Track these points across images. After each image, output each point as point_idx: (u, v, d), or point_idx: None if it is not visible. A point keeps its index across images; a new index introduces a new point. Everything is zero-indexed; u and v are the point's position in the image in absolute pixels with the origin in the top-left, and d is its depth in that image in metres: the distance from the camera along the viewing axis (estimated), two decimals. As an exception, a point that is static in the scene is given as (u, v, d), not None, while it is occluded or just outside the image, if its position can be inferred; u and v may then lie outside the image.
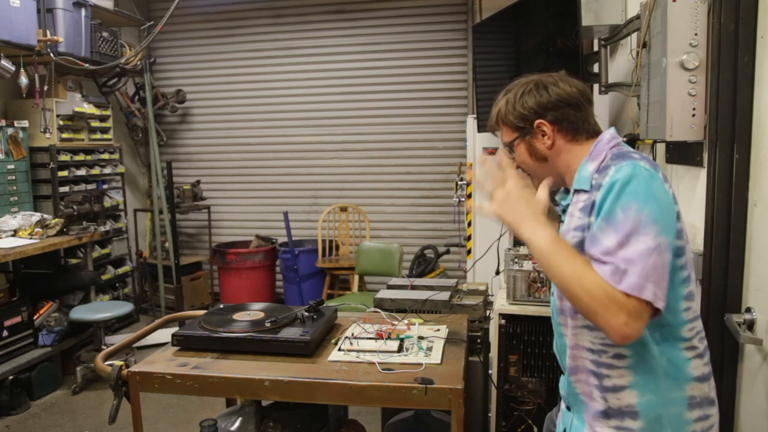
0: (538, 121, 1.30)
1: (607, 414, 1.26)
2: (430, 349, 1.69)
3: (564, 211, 1.35)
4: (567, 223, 1.30)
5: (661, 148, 2.25)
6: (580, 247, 1.22)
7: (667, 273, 1.13)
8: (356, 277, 4.54)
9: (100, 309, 3.83)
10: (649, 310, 1.10)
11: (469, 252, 4.11)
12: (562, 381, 1.42)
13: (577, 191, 1.28)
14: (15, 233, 3.76)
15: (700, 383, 1.24)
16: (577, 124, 1.31)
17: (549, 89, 1.30)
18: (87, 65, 4.36)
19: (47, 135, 4.19)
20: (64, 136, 4.35)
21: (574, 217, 1.27)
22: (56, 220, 3.95)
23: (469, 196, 4.16)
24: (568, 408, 1.40)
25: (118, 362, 1.64)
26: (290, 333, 1.71)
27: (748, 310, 1.50)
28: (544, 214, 1.24)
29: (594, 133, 1.32)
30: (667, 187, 1.19)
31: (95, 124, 4.69)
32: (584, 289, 1.11)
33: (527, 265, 2.34)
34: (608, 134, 1.30)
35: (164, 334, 2.17)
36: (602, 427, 1.27)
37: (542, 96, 1.30)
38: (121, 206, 4.95)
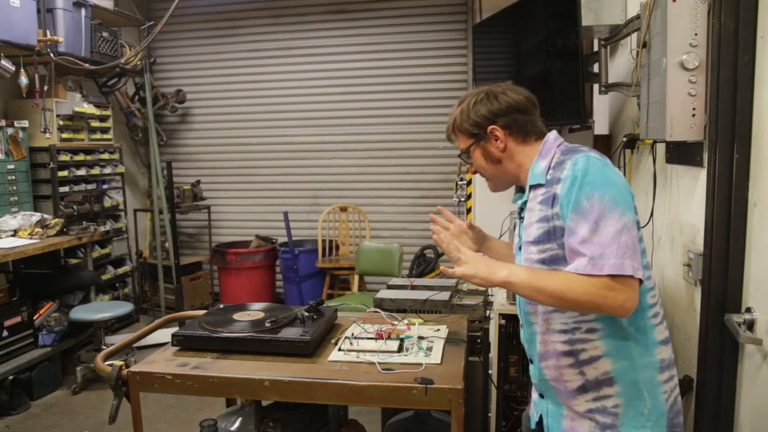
0: (491, 127, 1.43)
1: (584, 388, 1.36)
2: (430, 349, 1.69)
3: (522, 209, 1.46)
4: (528, 217, 1.39)
5: (661, 148, 2.25)
6: (546, 237, 1.33)
7: (638, 246, 1.27)
8: (356, 277, 4.54)
9: (100, 309, 3.83)
10: (635, 280, 1.24)
11: (469, 252, 4.11)
12: (533, 369, 1.50)
13: (533, 187, 1.39)
14: (15, 233, 3.76)
15: (665, 346, 1.39)
16: (526, 128, 1.44)
17: (498, 97, 1.43)
18: (87, 65, 4.36)
19: (47, 135, 4.19)
20: (64, 136, 4.35)
21: (535, 211, 1.36)
22: (56, 220, 3.95)
23: (469, 196, 4.16)
24: (541, 395, 1.49)
25: (118, 362, 1.64)
26: (290, 333, 1.71)
27: (748, 310, 1.50)
28: None
29: (541, 134, 1.46)
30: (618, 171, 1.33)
31: (95, 124, 4.69)
32: (577, 293, 1.22)
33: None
34: (553, 135, 1.45)
35: (164, 334, 2.17)
36: (579, 403, 1.37)
37: (493, 104, 1.43)
38: (121, 206, 4.95)
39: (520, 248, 1.45)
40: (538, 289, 1.26)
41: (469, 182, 4.17)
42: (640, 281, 1.25)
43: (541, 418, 1.50)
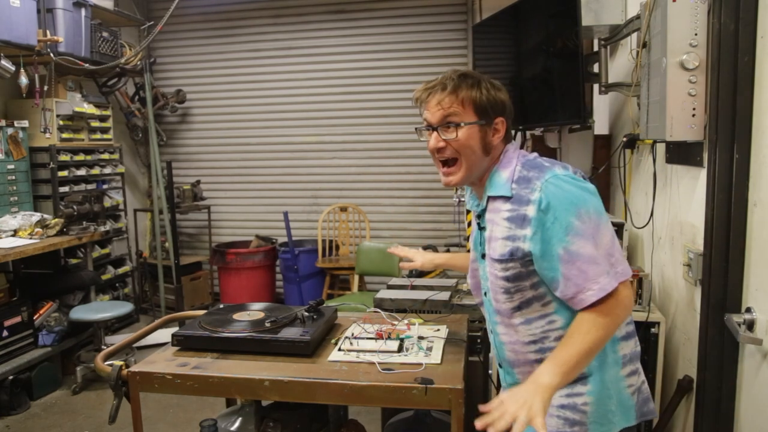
0: (499, 119, 1.37)
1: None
2: (430, 349, 1.69)
3: (480, 215, 1.42)
4: (491, 230, 1.36)
5: (661, 148, 2.25)
6: (510, 255, 1.30)
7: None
8: (356, 277, 4.54)
9: (100, 309, 3.82)
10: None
11: (468, 252, 4.11)
12: (503, 374, 1.51)
13: (492, 198, 1.35)
14: (15, 233, 3.76)
15: (626, 341, 1.39)
16: (510, 132, 1.41)
17: (504, 92, 1.39)
18: (87, 65, 4.35)
19: (47, 135, 4.19)
20: (64, 136, 4.35)
21: (500, 226, 1.33)
22: (56, 220, 3.95)
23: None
24: None
25: (118, 362, 1.64)
26: (290, 333, 1.71)
27: (748, 310, 1.50)
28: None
29: (508, 141, 1.42)
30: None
31: (95, 124, 4.69)
32: (604, 332, 1.24)
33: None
34: (513, 145, 1.41)
35: (164, 334, 2.17)
36: (553, 397, 1.33)
37: (505, 96, 1.39)
38: (121, 206, 4.95)
39: (483, 256, 1.42)
40: (584, 363, 1.25)
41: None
42: None
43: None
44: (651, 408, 1.42)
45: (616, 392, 1.35)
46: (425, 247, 5.19)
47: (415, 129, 1.44)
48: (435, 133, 1.35)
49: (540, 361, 1.33)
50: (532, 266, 1.30)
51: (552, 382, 1.18)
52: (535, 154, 1.40)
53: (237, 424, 1.89)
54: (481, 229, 1.43)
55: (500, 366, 1.50)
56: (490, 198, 1.37)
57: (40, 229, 3.82)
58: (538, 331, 1.35)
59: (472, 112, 1.34)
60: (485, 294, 1.46)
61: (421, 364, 1.58)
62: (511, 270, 1.32)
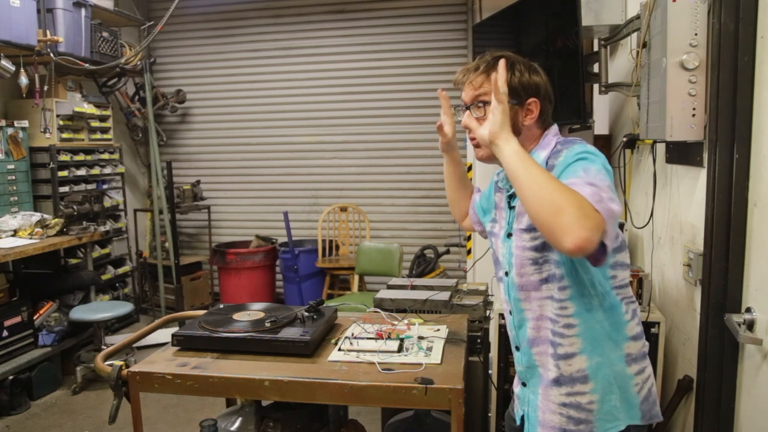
0: (533, 99, 1.39)
1: (558, 381, 1.36)
2: (430, 349, 1.69)
3: (511, 196, 1.44)
4: (521, 205, 1.36)
5: (661, 148, 2.25)
6: (537, 232, 1.30)
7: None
8: (356, 277, 4.54)
9: (100, 309, 3.82)
10: (604, 232, 1.13)
11: (469, 252, 4.11)
12: (519, 357, 1.49)
13: None
14: (15, 233, 3.76)
15: (635, 342, 1.38)
16: (547, 114, 1.42)
17: (542, 75, 1.42)
18: (87, 65, 4.36)
19: (47, 135, 4.19)
20: (64, 136, 4.35)
21: None
22: (56, 220, 3.95)
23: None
24: (524, 384, 1.49)
25: (118, 362, 1.64)
26: (290, 333, 1.71)
27: (748, 310, 1.50)
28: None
29: (548, 124, 1.44)
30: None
31: (95, 124, 4.69)
32: (559, 190, 1.12)
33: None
34: (554, 128, 1.43)
35: (164, 334, 2.17)
36: (555, 395, 1.37)
37: (542, 78, 1.42)
38: (121, 206, 4.95)
39: (508, 235, 1.43)
40: (525, 167, 1.18)
41: (469, 167, 4.16)
42: (603, 248, 1.17)
43: (522, 417, 1.50)
44: (657, 412, 1.42)
45: (621, 389, 1.35)
46: (425, 247, 5.21)
47: (454, 108, 1.50)
48: (468, 111, 1.40)
49: (552, 343, 1.35)
50: None
51: (509, 141, 1.22)
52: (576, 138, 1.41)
53: (237, 424, 1.89)
54: (512, 208, 1.44)
55: (517, 349, 1.49)
56: None
57: (40, 229, 3.82)
58: (556, 311, 1.35)
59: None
60: (506, 273, 1.45)
61: (421, 364, 1.58)
62: (540, 239, 1.33)
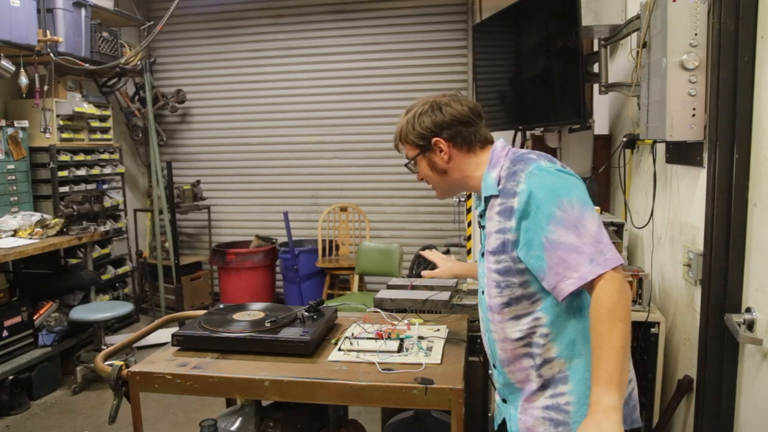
0: (435, 139, 1.44)
1: (544, 386, 1.37)
2: (430, 349, 1.69)
3: (481, 215, 1.47)
4: (488, 226, 1.40)
5: (661, 148, 2.25)
6: (503, 248, 1.34)
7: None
8: (356, 277, 4.54)
9: (100, 309, 3.82)
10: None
11: (469, 252, 4.11)
12: (496, 375, 1.51)
13: (487, 198, 1.40)
14: (15, 233, 3.76)
15: None
16: (470, 138, 1.44)
17: (443, 109, 1.44)
18: (87, 65, 4.36)
19: (47, 135, 4.19)
20: (64, 136, 4.35)
21: (494, 221, 1.37)
22: (56, 220, 3.95)
23: (469, 196, 4.15)
24: (504, 400, 1.50)
25: (118, 362, 1.64)
26: (290, 333, 1.71)
27: (748, 310, 1.50)
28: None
29: (486, 141, 1.46)
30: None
31: (95, 124, 4.69)
32: (621, 322, 1.19)
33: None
34: (500, 143, 1.45)
35: (164, 334, 2.17)
36: (538, 400, 1.38)
37: (437, 116, 1.44)
38: (121, 206, 4.95)
39: (482, 255, 1.46)
40: (621, 366, 1.17)
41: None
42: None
43: (503, 420, 1.51)
44: (637, 417, 1.42)
45: None
46: (425, 248, 5.19)
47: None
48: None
49: (530, 355, 1.36)
50: (521, 264, 1.32)
51: (612, 402, 1.14)
52: (524, 150, 1.43)
53: (237, 424, 1.89)
54: (482, 227, 1.47)
55: (494, 366, 1.50)
56: (486, 198, 1.41)
57: (40, 229, 3.82)
58: (525, 328, 1.36)
59: (409, 147, 1.51)
60: (482, 292, 1.47)
61: (421, 364, 1.58)
62: (503, 263, 1.35)
